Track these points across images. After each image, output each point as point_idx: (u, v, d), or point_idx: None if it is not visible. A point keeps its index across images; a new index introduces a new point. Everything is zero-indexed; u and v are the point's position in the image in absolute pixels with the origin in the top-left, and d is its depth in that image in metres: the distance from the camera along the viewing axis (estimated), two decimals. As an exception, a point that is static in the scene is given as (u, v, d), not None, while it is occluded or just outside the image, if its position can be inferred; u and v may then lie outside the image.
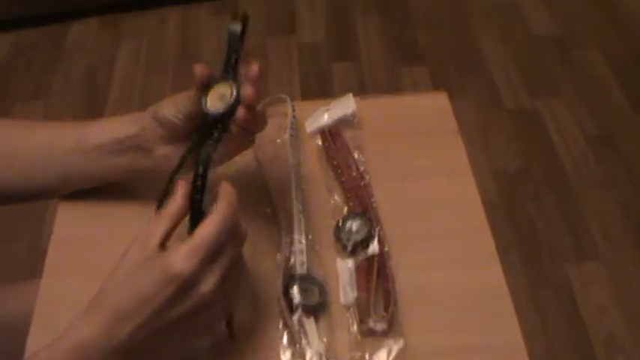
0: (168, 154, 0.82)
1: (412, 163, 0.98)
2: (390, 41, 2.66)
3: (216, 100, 0.76)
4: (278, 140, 0.98)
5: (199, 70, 0.77)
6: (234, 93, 0.75)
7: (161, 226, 0.69)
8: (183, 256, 0.65)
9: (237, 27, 0.78)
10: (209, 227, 0.67)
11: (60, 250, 0.90)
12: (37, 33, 2.75)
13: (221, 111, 0.75)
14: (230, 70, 0.77)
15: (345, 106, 1.02)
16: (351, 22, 2.74)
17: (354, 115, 1.02)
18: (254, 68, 0.78)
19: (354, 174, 0.94)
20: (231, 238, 0.69)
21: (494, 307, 0.83)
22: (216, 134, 0.75)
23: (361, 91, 2.45)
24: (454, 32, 2.71)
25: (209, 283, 0.67)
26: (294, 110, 1.01)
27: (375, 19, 2.75)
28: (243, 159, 0.85)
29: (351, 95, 1.03)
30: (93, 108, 2.45)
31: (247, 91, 0.75)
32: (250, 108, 0.75)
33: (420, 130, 1.03)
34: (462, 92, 2.45)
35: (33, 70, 2.63)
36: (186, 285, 0.66)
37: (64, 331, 0.68)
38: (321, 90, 2.46)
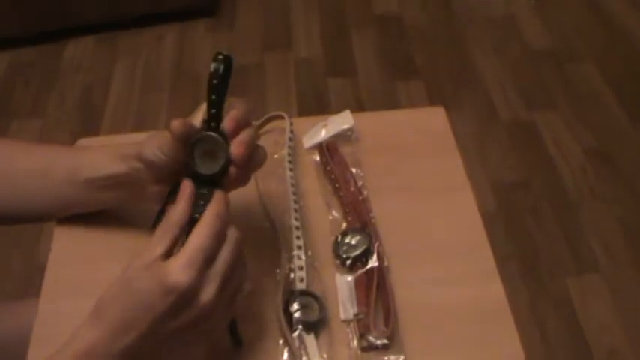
0: (160, 192, 0.80)
1: (411, 178, 0.98)
2: (385, 56, 2.67)
3: (205, 158, 0.73)
4: (275, 156, 0.98)
5: (177, 127, 0.73)
6: (224, 155, 0.72)
7: (164, 236, 0.69)
8: (180, 267, 0.66)
9: (219, 66, 0.72)
10: (197, 235, 0.68)
11: (58, 269, 0.89)
12: (35, 51, 2.76)
13: (213, 172, 0.73)
14: (213, 122, 0.73)
15: (343, 121, 1.03)
16: (347, 37, 2.75)
17: (351, 130, 1.02)
18: (239, 117, 0.74)
19: (352, 189, 0.94)
20: (221, 241, 0.69)
21: (495, 322, 0.83)
22: (206, 192, 0.72)
23: (358, 105, 2.45)
24: (449, 47, 2.72)
25: (209, 292, 0.67)
26: (291, 125, 1.01)
27: (370, 34, 2.76)
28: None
29: (348, 111, 1.03)
30: (89, 126, 2.45)
31: (238, 151, 0.72)
32: (242, 165, 0.73)
33: (418, 146, 1.03)
34: (458, 106, 2.45)
35: (30, 88, 2.63)
36: (186, 295, 0.66)
37: (66, 341, 0.68)
38: (318, 105, 2.46)
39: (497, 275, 0.87)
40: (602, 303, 1.91)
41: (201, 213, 0.70)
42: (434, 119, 1.06)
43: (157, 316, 0.66)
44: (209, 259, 0.68)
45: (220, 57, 0.72)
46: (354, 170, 0.97)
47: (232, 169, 0.73)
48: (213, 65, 0.72)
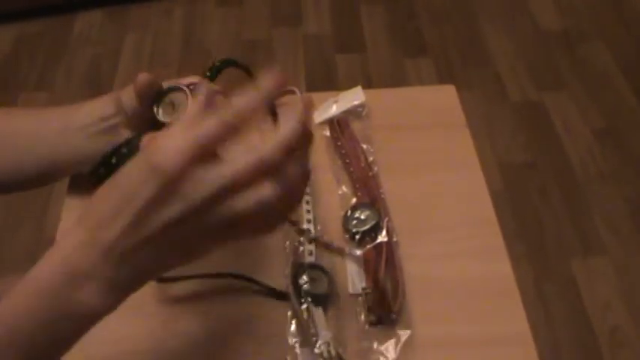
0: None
1: (421, 155, 0.99)
2: (395, 33, 2.66)
3: (168, 109, 0.75)
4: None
5: (141, 80, 0.76)
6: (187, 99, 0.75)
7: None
8: (171, 147, 0.54)
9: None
10: (213, 120, 0.55)
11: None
12: (43, 24, 2.75)
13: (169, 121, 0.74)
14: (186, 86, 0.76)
15: (354, 97, 1.03)
16: (356, 13, 2.74)
17: (362, 106, 1.02)
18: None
19: (362, 164, 0.95)
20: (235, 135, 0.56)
21: (502, 298, 0.83)
22: None
23: (366, 82, 2.45)
24: (460, 25, 2.71)
25: (203, 187, 0.54)
26: (303, 101, 1.01)
27: (380, 10, 2.75)
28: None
29: (359, 87, 1.04)
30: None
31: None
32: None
33: (428, 123, 1.03)
34: (468, 85, 2.45)
35: (37, 61, 2.62)
36: (172, 181, 0.54)
37: (54, 245, 0.61)
38: (326, 81, 2.46)
39: (504, 251, 0.87)
40: (607, 283, 1.92)
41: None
42: (444, 97, 1.06)
43: (138, 206, 0.54)
44: (208, 146, 0.54)
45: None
46: (364, 146, 0.97)
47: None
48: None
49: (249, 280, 0.82)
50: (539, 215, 2.08)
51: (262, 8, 2.77)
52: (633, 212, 2.07)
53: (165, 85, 0.81)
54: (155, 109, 0.75)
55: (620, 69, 2.50)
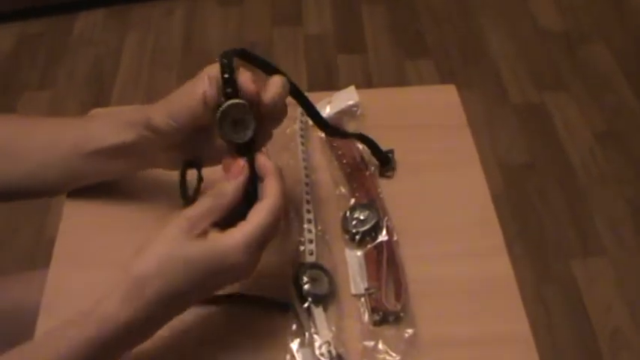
0: (169, 158, 0.80)
1: (421, 154, 0.98)
2: (396, 33, 2.66)
3: (232, 125, 0.72)
4: (288, 130, 0.97)
5: (209, 92, 0.72)
6: (251, 119, 0.72)
7: (215, 212, 0.69)
8: (242, 248, 0.67)
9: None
10: (264, 213, 0.68)
11: (68, 238, 0.89)
12: (44, 24, 2.75)
13: (246, 139, 0.72)
14: (229, 88, 0.72)
15: (348, 97, 1.02)
16: (357, 13, 2.74)
17: (356, 106, 1.01)
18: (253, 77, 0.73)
19: (359, 165, 0.94)
20: (278, 219, 0.70)
21: (503, 298, 0.83)
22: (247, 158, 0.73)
23: (367, 83, 2.45)
24: (461, 25, 2.71)
25: (254, 266, 0.70)
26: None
27: (381, 10, 2.75)
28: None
29: (353, 87, 1.03)
30: (98, 99, 2.45)
31: (249, 87, 0.71)
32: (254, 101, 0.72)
33: (429, 123, 1.03)
34: (468, 86, 2.44)
35: (39, 60, 2.63)
36: (241, 274, 0.69)
37: (92, 309, 0.66)
38: (328, 82, 2.46)
39: (504, 250, 0.87)
40: (607, 285, 1.92)
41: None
42: (445, 97, 1.06)
43: (204, 289, 0.69)
44: (268, 239, 0.69)
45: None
46: (359, 146, 0.96)
47: (265, 130, 0.75)
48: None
49: (256, 297, 0.81)
50: (540, 216, 2.08)
51: (263, 8, 2.77)
52: (634, 214, 2.07)
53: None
54: (221, 127, 0.72)
55: (621, 70, 2.50)
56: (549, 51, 2.59)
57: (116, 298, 0.66)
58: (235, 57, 0.73)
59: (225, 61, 0.72)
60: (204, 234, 0.68)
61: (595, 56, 2.56)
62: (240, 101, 0.71)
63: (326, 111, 1.00)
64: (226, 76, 0.71)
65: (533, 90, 2.45)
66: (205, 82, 0.72)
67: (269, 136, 0.77)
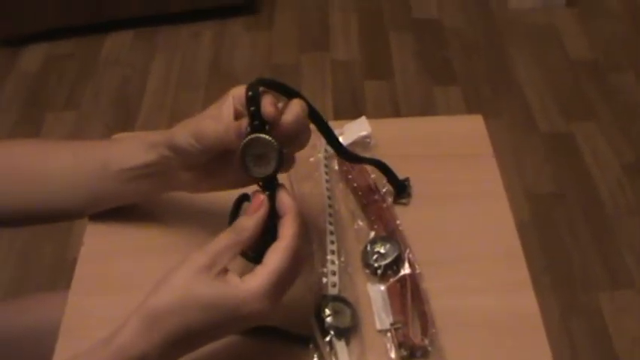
0: (191, 180, 0.80)
1: (446, 185, 0.97)
2: (423, 60, 2.66)
3: (255, 159, 0.72)
4: (312, 159, 0.97)
5: (238, 94, 0.73)
6: (275, 155, 0.71)
7: (234, 248, 0.69)
8: (259, 296, 0.66)
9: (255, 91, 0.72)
10: (279, 257, 0.67)
11: (90, 262, 0.89)
12: (72, 44, 2.79)
13: (266, 174, 0.72)
14: (256, 121, 0.71)
15: (360, 128, 1.01)
16: (384, 39, 2.75)
17: (369, 137, 1.00)
18: (276, 103, 0.73)
19: (375, 197, 0.93)
20: (298, 263, 0.69)
21: (527, 334, 0.82)
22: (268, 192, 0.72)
23: (394, 110, 2.45)
24: (488, 54, 2.70)
25: (273, 311, 0.68)
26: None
27: (409, 37, 2.75)
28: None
29: (364, 117, 1.02)
30: (124, 121, 2.47)
31: (268, 110, 0.71)
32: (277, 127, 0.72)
33: (454, 153, 1.02)
34: (496, 114, 2.43)
35: (66, 80, 2.65)
36: (258, 321, 0.68)
37: (107, 339, 0.67)
38: (354, 108, 2.46)
39: (530, 285, 0.86)
40: (635, 318, 1.89)
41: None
42: (471, 126, 1.05)
43: (222, 332, 0.69)
44: (287, 284, 0.68)
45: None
46: (373, 176, 0.95)
47: (287, 163, 0.74)
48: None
49: (275, 329, 0.80)
50: (567, 247, 2.06)
51: (291, 33, 2.78)
52: (662, 247, 2.05)
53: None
54: (242, 160, 0.72)
55: (652, 101, 2.48)
56: (578, 80, 2.58)
57: (132, 331, 0.66)
58: (261, 86, 0.72)
59: (250, 93, 0.71)
60: (224, 272, 0.67)
61: (624, 86, 2.55)
62: (267, 137, 0.71)
63: None
64: (252, 108, 0.71)
65: (561, 119, 2.43)
66: (230, 103, 0.73)
67: (292, 160, 0.77)
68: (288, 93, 0.76)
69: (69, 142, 0.92)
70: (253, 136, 0.71)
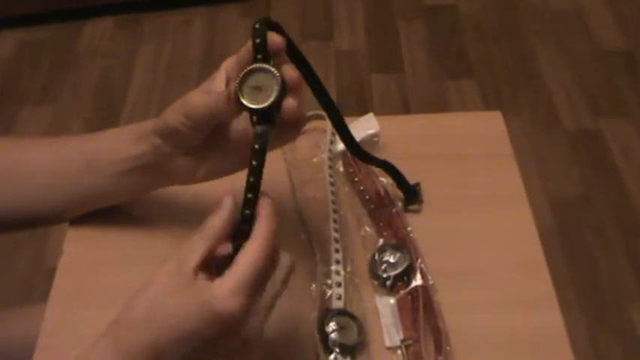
0: (186, 167, 0.81)
1: (461, 188, 0.98)
2: (436, 51, 2.67)
3: (253, 94, 0.70)
4: (315, 159, 0.98)
5: (230, 65, 0.75)
6: (278, 81, 0.70)
7: (201, 246, 0.67)
8: (228, 292, 0.64)
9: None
10: (249, 255, 0.66)
11: (69, 273, 0.90)
12: (48, 31, 2.79)
13: (265, 106, 0.70)
14: (261, 55, 0.71)
15: (367, 126, 1.01)
16: (393, 28, 2.75)
17: (377, 135, 1.00)
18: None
19: (384, 201, 0.94)
20: (273, 262, 0.68)
21: (551, 353, 0.82)
22: (259, 130, 0.70)
23: (403, 105, 2.45)
24: (508, 43, 2.71)
25: (254, 323, 0.67)
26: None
27: (420, 26, 2.76)
28: (277, 179, 0.85)
29: (372, 114, 1.02)
30: (107, 116, 2.47)
31: (292, 73, 0.72)
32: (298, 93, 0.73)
33: (471, 153, 1.03)
34: (516, 111, 2.44)
35: (41, 71, 2.65)
36: (235, 324, 0.65)
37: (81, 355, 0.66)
38: (360, 104, 2.46)
39: (554, 299, 0.86)
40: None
41: (258, 169, 0.68)
42: (490, 124, 1.06)
43: (197, 344, 0.65)
44: (260, 283, 0.67)
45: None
46: (383, 180, 0.96)
47: (288, 102, 0.72)
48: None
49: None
50: (594, 257, 2.06)
51: (291, 20, 2.78)
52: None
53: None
54: (239, 93, 0.71)
55: (687, 94, 2.48)
56: (608, 72, 2.58)
57: (104, 346, 0.66)
58: (268, 29, 0.72)
59: (257, 26, 0.71)
60: (193, 276, 0.66)
61: (659, 79, 2.55)
62: (269, 67, 0.70)
63: None
64: (258, 41, 0.71)
65: (588, 115, 2.44)
66: (222, 74, 0.75)
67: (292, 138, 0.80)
68: (293, 52, 0.76)
69: (48, 138, 0.93)
70: (255, 65, 0.70)
